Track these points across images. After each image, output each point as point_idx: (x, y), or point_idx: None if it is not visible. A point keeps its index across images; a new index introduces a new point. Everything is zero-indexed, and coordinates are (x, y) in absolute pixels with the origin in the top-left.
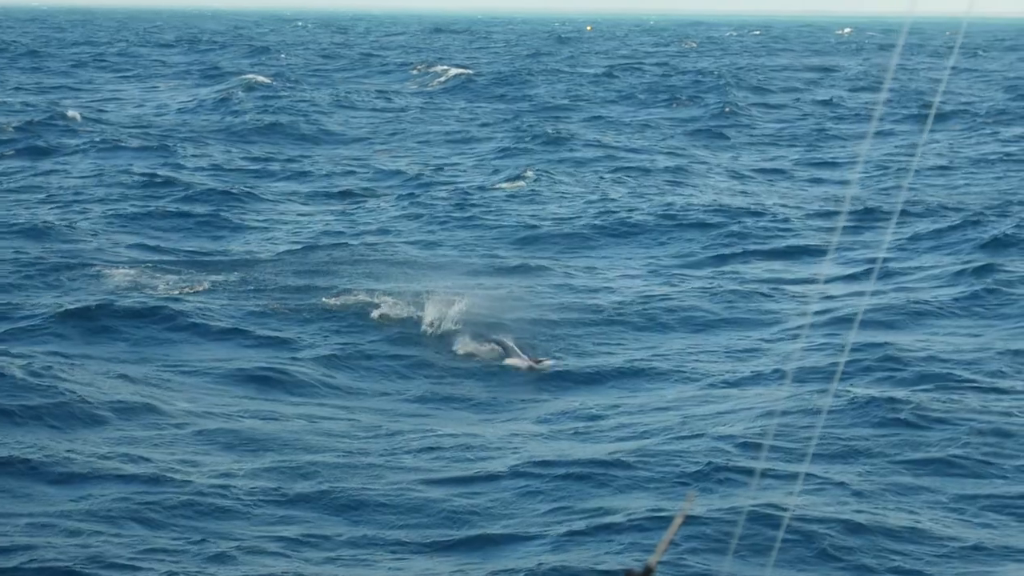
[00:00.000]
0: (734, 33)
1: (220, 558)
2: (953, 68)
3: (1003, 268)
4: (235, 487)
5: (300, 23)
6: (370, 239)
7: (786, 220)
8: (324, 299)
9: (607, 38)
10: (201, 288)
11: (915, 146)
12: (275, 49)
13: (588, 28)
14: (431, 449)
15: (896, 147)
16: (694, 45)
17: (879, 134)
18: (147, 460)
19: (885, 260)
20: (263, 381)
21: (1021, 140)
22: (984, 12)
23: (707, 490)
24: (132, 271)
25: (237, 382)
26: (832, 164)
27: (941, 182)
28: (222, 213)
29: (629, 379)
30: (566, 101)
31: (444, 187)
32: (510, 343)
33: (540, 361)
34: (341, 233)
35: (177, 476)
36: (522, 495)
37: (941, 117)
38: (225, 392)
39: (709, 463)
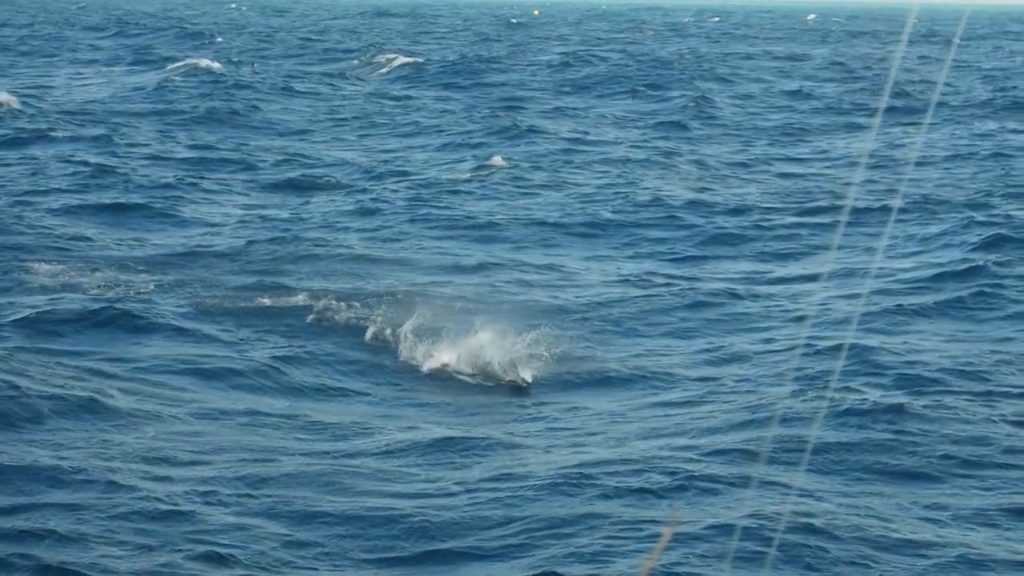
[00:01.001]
0: (692, 19)
1: (153, 564)
2: (926, 57)
3: (986, 269)
4: (175, 492)
5: (234, 5)
6: (317, 233)
7: (761, 216)
8: (268, 296)
9: (558, 23)
10: (141, 283)
11: (897, 140)
12: (210, 33)
13: (536, 12)
14: (383, 454)
15: (877, 140)
16: (651, 32)
17: (854, 127)
18: (83, 461)
19: (865, 259)
20: (206, 380)
21: (996, 134)
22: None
23: (690, 502)
24: (67, 265)
25: (180, 381)
26: (805, 158)
27: (920, 176)
28: (162, 204)
29: (599, 385)
30: (522, 91)
31: (396, 179)
32: (480, 348)
33: (517, 378)
34: (287, 227)
35: (116, 478)
36: (482, 506)
37: (915, 110)
38: (167, 391)
39: (687, 473)
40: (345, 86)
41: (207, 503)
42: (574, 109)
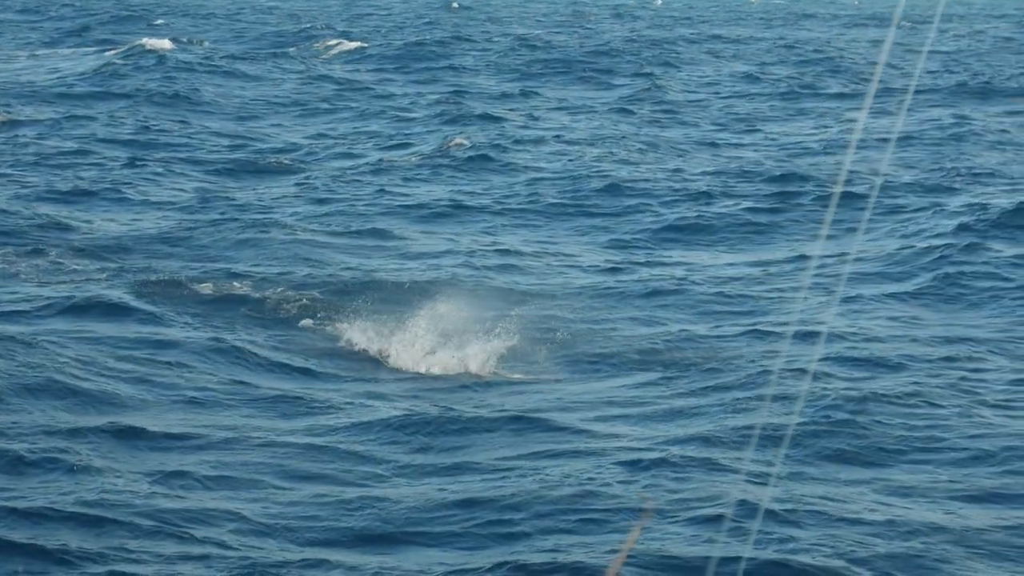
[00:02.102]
0: (635, 2)
1: (106, 546)
2: (877, 41)
3: (949, 256)
4: (113, 484)
5: None
6: (263, 216)
7: (721, 201)
8: (213, 280)
9: (498, 6)
10: (84, 267)
11: (852, 123)
12: (150, 15)
13: (454, 4)
14: (328, 434)
15: (833, 123)
16: (594, 16)
17: (807, 111)
18: (44, 443)
19: (828, 244)
20: (149, 362)
21: (948, 117)
22: None
23: (657, 487)
24: (11, 249)
25: (124, 365)
26: (760, 143)
27: (879, 159)
28: (107, 188)
29: (560, 368)
30: (469, 76)
31: (343, 163)
32: (431, 332)
33: (469, 362)
34: (234, 210)
35: (47, 466)
36: (438, 491)
37: (866, 93)
38: (102, 381)
39: (654, 459)
40: (290, 69)
41: (157, 482)
42: (522, 94)
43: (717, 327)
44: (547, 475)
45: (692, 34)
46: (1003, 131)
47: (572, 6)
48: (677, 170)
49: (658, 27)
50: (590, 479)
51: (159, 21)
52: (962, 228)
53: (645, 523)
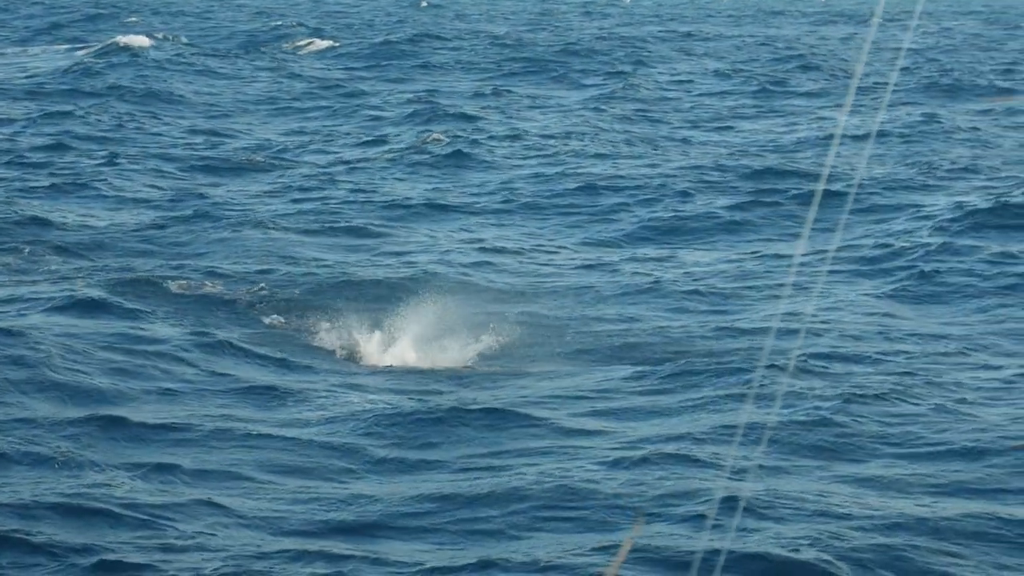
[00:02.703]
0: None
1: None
2: (846, 39)
3: (927, 255)
4: (95, 478)
5: None
6: (237, 212)
7: (703, 198)
8: (186, 276)
9: (468, 4)
10: (56, 265)
11: (830, 121)
12: (114, 12)
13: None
14: (301, 427)
15: (811, 121)
16: (564, 14)
17: (784, 108)
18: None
19: (806, 241)
20: (117, 365)
21: (921, 114)
22: None
23: (640, 482)
24: None
25: (94, 366)
26: (738, 140)
27: (852, 156)
28: (80, 185)
29: (541, 365)
30: (443, 75)
31: (317, 160)
32: (410, 329)
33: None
34: (211, 208)
35: (29, 460)
36: (417, 485)
37: (842, 91)
38: (83, 376)
39: (638, 456)
40: (262, 67)
41: (139, 476)
42: (495, 92)
43: (694, 324)
44: (522, 471)
45: (662, 32)
46: (974, 128)
47: (541, 4)
48: (652, 167)
49: (628, 25)
50: (567, 475)
51: (131, 19)
52: (938, 226)
53: (632, 542)
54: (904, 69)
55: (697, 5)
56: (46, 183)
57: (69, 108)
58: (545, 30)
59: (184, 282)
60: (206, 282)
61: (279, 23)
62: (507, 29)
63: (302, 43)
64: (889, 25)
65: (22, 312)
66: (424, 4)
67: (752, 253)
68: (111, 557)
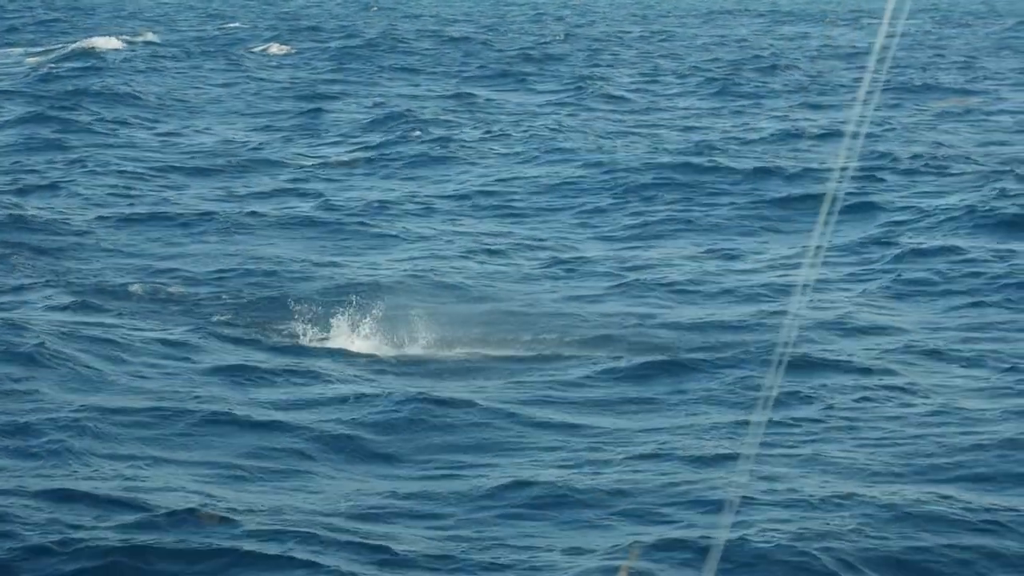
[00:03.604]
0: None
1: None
2: (799, 38)
3: (909, 253)
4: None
5: None
6: (189, 217)
7: (679, 195)
8: (142, 281)
9: (415, 6)
10: (18, 267)
11: (795, 119)
12: (70, 16)
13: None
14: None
15: (775, 119)
16: (518, 15)
17: (743, 110)
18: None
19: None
20: (90, 358)
21: (888, 115)
22: None
23: (626, 478)
24: None
25: (56, 361)
26: (710, 140)
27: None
28: (34, 189)
29: (507, 374)
30: (410, 77)
31: (282, 160)
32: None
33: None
34: (159, 212)
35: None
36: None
37: (804, 89)
38: (45, 371)
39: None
40: (220, 69)
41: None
42: (456, 96)
43: (671, 320)
44: (503, 470)
45: (619, 32)
46: (933, 127)
47: (494, 7)
48: (617, 165)
49: (585, 26)
50: (555, 473)
51: (88, 23)
52: (917, 225)
53: (629, 567)
54: (868, 68)
55: (646, 4)
56: (14, 187)
57: (25, 111)
58: (501, 32)
59: (141, 283)
60: (163, 282)
61: (236, 26)
62: (465, 32)
63: (262, 46)
64: (841, 25)
65: None
66: (375, 9)
67: (714, 251)
68: (80, 535)
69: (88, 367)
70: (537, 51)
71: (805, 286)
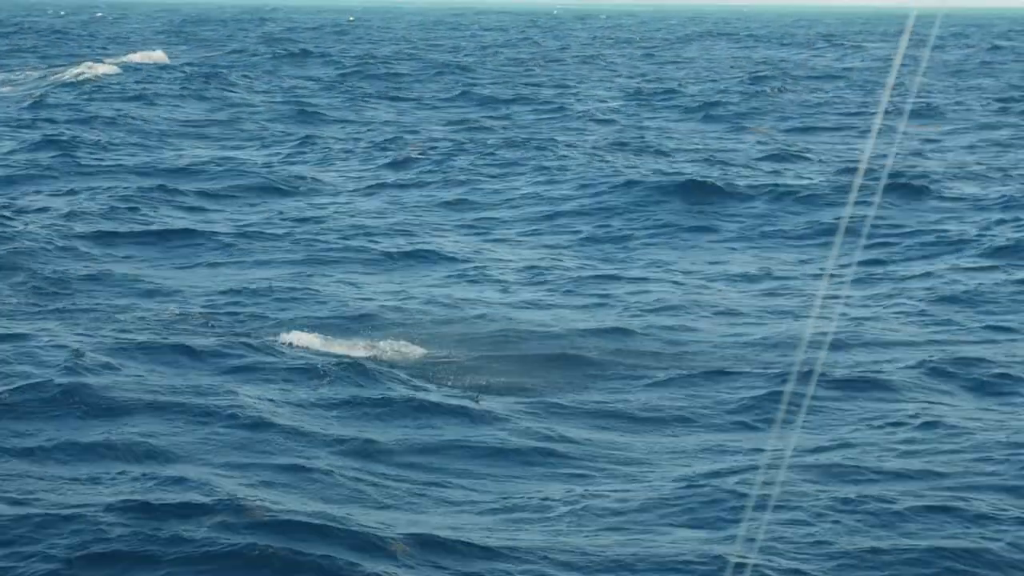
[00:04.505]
0: (527, 24)
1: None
2: (785, 60)
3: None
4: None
5: (50, 11)
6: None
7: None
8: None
9: (374, 28)
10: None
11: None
12: (74, 36)
13: (350, 19)
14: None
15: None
16: (498, 44)
17: (703, 129)
18: None
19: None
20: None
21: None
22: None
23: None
24: None
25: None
26: (691, 152)
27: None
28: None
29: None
30: (405, 106)
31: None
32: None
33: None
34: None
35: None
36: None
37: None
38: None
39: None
40: (223, 91)
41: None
42: (442, 120)
43: (693, 339)
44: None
45: (574, 56)
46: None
47: (452, 29)
48: (587, 184)
49: (553, 48)
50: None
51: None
52: (929, 246)
53: None
54: (841, 88)
55: (576, 26)
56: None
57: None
58: (480, 57)
59: (171, 305)
60: (171, 305)
61: (220, 52)
62: (434, 57)
63: (255, 70)
64: (803, 46)
65: None
66: (351, 17)
67: (734, 271)
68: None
69: (122, 386)
70: (517, 74)
71: (824, 303)
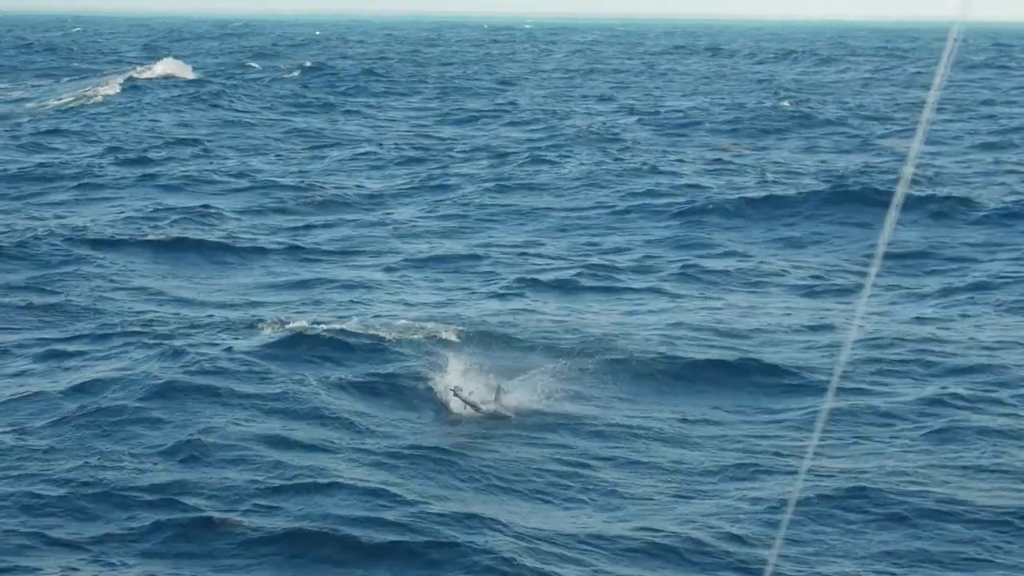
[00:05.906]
0: (499, 35)
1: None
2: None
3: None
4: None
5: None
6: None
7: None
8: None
9: (347, 43)
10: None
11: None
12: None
13: (317, 32)
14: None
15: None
16: (446, 47)
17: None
18: None
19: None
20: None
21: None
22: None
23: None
24: None
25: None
26: (680, 166)
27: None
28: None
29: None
30: (389, 114)
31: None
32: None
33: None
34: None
35: None
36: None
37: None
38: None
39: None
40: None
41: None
42: (429, 132)
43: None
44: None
45: (551, 70)
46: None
47: (427, 44)
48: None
49: (533, 61)
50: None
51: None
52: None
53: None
54: (824, 102)
55: (564, 42)
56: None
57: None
58: (471, 74)
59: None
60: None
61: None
62: (419, 72)
63: (284, 71)
64: (765, 59)
65: None
66: (318, 31)
67: (783, 279)
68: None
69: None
70: (507, 87)
71: (862, 306)
